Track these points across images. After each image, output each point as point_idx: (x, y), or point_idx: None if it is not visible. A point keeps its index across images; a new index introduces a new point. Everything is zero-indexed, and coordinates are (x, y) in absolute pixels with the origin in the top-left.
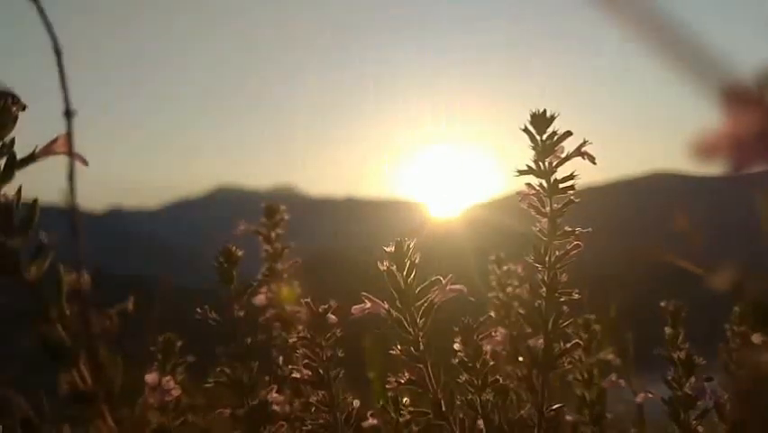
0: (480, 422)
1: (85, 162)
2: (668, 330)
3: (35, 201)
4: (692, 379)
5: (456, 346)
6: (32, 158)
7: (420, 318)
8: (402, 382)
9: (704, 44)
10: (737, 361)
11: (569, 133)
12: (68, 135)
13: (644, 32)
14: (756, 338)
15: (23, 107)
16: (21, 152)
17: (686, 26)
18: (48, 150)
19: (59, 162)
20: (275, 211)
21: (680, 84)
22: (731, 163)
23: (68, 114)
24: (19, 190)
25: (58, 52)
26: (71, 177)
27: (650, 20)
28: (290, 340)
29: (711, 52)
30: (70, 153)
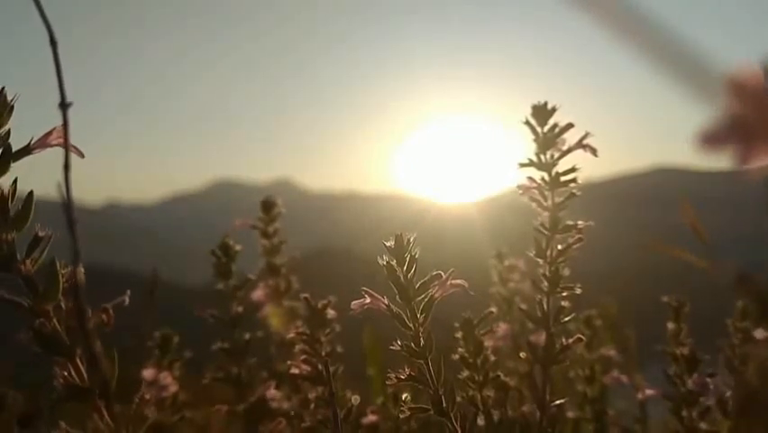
0: (481, 419)
1: (81, 154)
2: (670, 325)
3: (31, 194)
4: (695, 375)
5: (457, 342)
6: (27, 150)
7: (420, 314)
8: (402, 378)
9: (689, 43)
10: (740, 356)
11: (570, 126)
12: (64, 127)
13: (629, 32)
14: (759, 334)
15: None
16: (16, 144)
17: (668, 25)
18: (43, 142)
19: (55, 155)
20: (272, 205)
21: (667, 82)
22: (736, 156)
23: (64, 105)
24: (15, 183)
25: (53, 43)
26: (66, 169)
27: (633, 19)
28: (289, 336)
29: (696, 51)
30: (65, 145)
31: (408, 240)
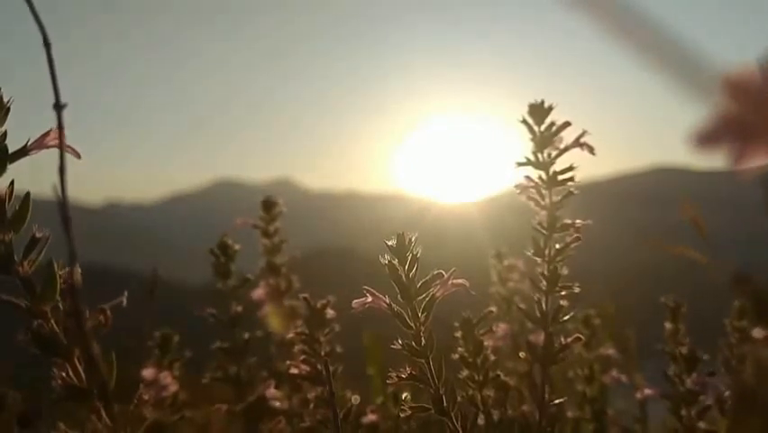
0: (481, 418)
1: (77, 155)
2: (668, 325)
3: (28, 195)
4: (694, 374)
5: (457, 341)
6: (24, 151)
7: (422, 313)
8: (403, 377)
9: (687, 43)
10: (737, 356)
11: (567, 124)
12: (59, 128)
13: (628, 32)
14: (757, 333)
15: None
16: (13, 145)
17: (666, 25)
18: (41, 143)
19: (55, 154)
20: (273, 204)
21: (666, 82)
22: (731, 155)
23: (58, 106)
24: (12, 184)
25: (47, 44)
26: (62, 170)
27: (631, 19)
28: (288, 336)
29: (694, 51)
30: (61, 146)
31: (410, 239)
